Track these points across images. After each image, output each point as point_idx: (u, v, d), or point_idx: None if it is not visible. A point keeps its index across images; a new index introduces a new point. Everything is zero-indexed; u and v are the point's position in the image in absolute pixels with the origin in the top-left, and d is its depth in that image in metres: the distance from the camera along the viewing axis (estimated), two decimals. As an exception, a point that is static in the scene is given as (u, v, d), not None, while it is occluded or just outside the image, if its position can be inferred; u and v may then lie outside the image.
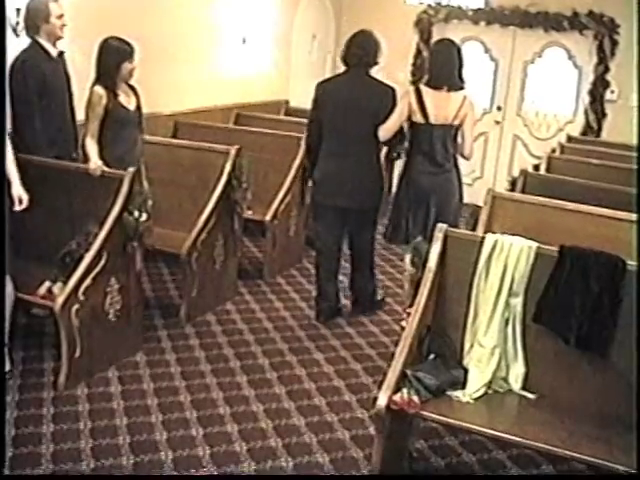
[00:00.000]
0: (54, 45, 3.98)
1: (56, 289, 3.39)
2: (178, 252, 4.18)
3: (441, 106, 4.07)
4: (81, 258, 3.43)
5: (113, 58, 3.92)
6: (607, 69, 6.81)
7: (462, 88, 4.13)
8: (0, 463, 2.76)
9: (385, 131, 4.12)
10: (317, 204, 4.39)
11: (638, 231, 3.20)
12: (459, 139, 4.20)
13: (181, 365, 3.74)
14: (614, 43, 6.72)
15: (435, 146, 4.10)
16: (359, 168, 4.18)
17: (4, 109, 3.65)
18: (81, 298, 3.37)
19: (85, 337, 3.41)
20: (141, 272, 3.82)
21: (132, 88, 4.12)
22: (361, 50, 4.11)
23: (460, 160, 4.29)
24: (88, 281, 3.40)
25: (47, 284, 3.44)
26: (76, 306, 3.34)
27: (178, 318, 4.21)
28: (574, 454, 2.54)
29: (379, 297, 4.68)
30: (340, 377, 3.74)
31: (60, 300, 3.28)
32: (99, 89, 3.91)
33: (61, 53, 4.04)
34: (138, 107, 4.14)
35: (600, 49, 6.78)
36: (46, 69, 3.89)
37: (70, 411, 3.24)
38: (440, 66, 4.13)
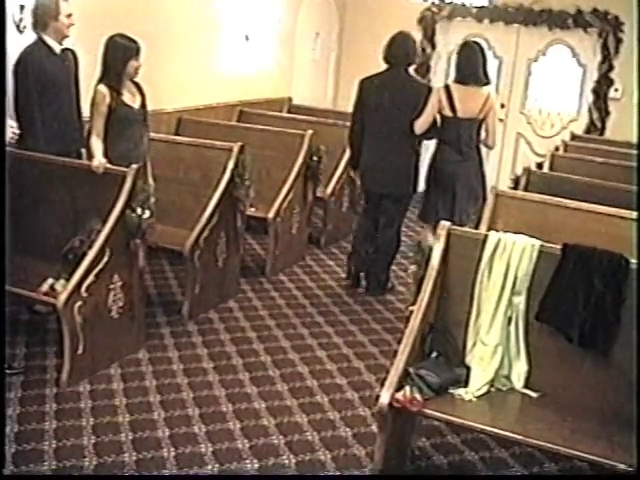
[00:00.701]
0: (60, 43, 4.00)
1: (59, 286, 3.38)
2: (181, 249, 4.17)
3: (468, 101, 4.46)
4: (84, 255, 3.42)
5: (119, 55, 3.92)
6: (611, 67, 6.80)
7: (487, 83, 4.53)
8: (0, 463, 2.75)
9: (419, 125, 4.51)
10: (364, 190, 4.90)
11: (638, 230, 3.21)
12: (483, 131, 4.56)
13: (183, 362, 3.74)
14: (618, 41, 6.71)
15: (461, 137, 4.50)
16: (398, 158, 4.60)
17: (4, 109, 3.67)
18: (84, 295, 3.36)
19: (88, 334, 3.40)
20: (144, 269, 3.80)
21: (137, 86, 4.11)
22: (402, 50, 4.53)
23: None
24: (91, 278, 3.40)
25: (50, 281, 3.42)
26: (79, 303, 3.33)
27: (180, 315, 4.21)
28: (576, 452, 2.54)
29: (389, 285, 4.97)
30: (343, 375, 3.74)
31: (63, 297, 3.27)
32: (102, 88, 3.90)
33: (66, 50, 4.04)
34: (143, 105, 4.13)
35: (604, 47, 6.77)
36: (48, 65, 3.89)
37: (73, 408, 3.23)
38: (466, 64, 4.52)
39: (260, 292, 4.81)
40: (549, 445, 2.56)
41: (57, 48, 3.99)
